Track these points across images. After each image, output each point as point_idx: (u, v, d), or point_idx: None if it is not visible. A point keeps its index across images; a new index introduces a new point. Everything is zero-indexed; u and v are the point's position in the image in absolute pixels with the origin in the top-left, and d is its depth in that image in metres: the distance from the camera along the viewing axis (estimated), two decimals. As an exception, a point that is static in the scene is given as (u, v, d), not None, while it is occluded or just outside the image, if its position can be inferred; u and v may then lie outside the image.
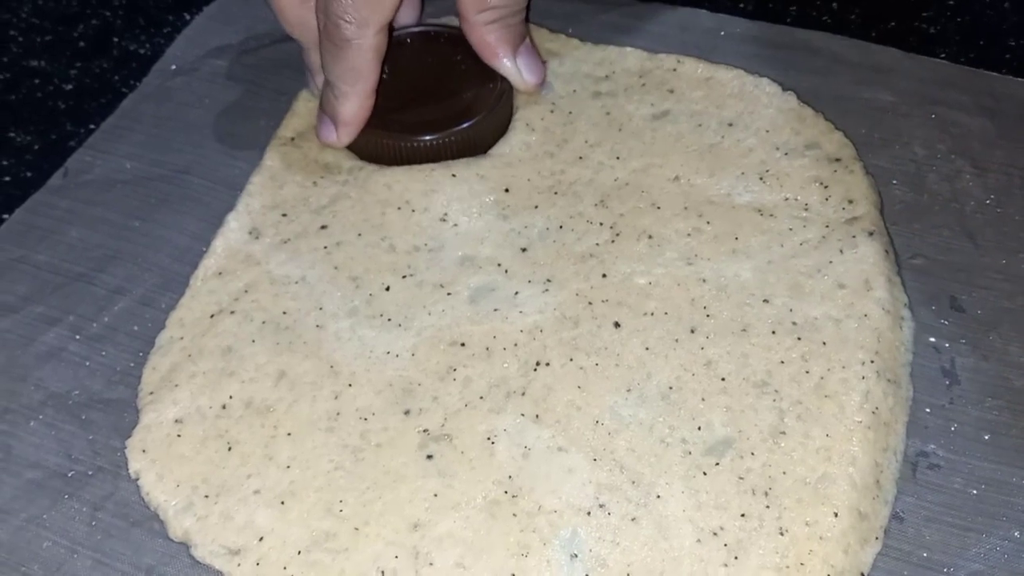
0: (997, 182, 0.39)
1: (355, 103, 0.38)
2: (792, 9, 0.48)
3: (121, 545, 0.32)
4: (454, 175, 0.38)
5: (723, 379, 0.33)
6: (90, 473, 0.33)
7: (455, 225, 0.37)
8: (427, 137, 0.39)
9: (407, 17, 0.42)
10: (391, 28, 0.38)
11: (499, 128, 0.40)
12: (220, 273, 0.37)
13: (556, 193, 0.38)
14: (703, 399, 0.32)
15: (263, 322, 0.35)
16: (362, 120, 0.39)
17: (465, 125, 0.39)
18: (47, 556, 0.32)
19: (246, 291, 0.36)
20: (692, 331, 0.34)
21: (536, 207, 0.38)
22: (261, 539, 0.31)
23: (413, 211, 0.38)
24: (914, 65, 0.43)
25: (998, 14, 0.47)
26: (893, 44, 0.44)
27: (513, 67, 0.40)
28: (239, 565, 0.30)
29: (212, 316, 0.36)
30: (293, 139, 0.40)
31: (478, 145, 0.39)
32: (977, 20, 0.47)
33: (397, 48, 0.40)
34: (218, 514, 0.31)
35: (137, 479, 0.32)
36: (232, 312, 0.36)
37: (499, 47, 0.40)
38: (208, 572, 0.31)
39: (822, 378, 0.33)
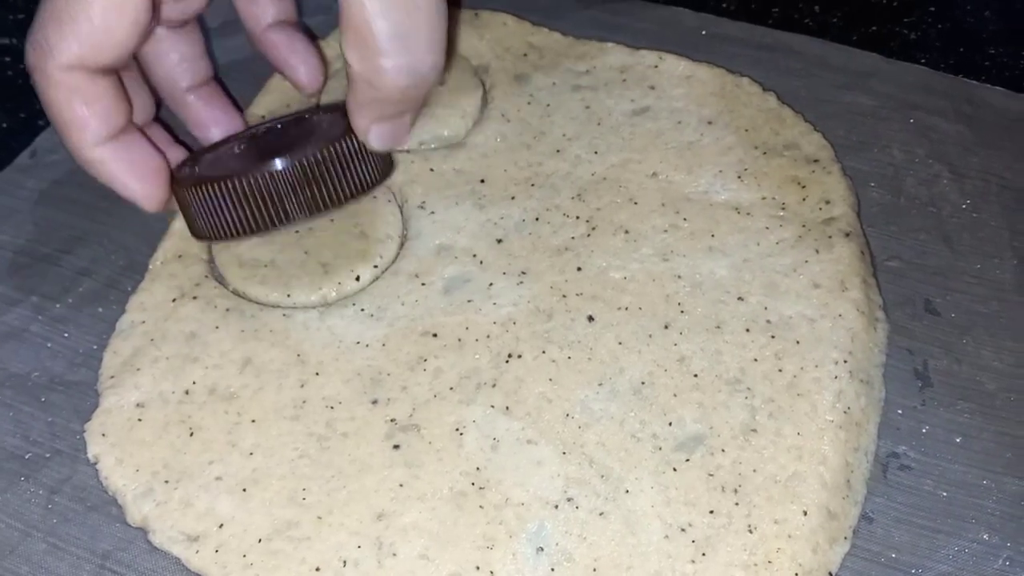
0: (973, 188, 0.39)
1: (86, 154, 0.30)
2: (774, 11, 0.48)
3: (77, 529, 0.31)
4: (432, 169, 0.38)
5: (696, 375, 0.33)
6: (48, 456, 0.33)
7: (432, 213, 0.37)
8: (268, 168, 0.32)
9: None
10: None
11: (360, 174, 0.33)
12: (180, 256, 0.36)
13: (533, 185, 0.38)
14: (675, 395, 0.32)
15: (227, 309, 0.35)
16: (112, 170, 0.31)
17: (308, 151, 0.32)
18: (0, 539, 0.31)
19: (206, 276, 0.35)
20: (666, 327, 0.34)
21: (513, 198, 0.37)
22: (221, 526, 0.30)
23: (389, 201, 0.37)
24: (894, 70, 0.43)
25: (979, 22, 0.47)
26: (874, 48, 0.44)
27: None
28: (197, 552, 0.30)
29: (174, 300, 0.35)
30: (264, 117, 0.40)
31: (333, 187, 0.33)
32: (958, 27, 0.47)
33: (264, 134, 0.35)
34: (178, 500, 0.31)
35: (96, 463, 0.32)
36: (195, 297, 0.35)
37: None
38: (165, 559, 0.30)
39: (795, 376, 0.32)
